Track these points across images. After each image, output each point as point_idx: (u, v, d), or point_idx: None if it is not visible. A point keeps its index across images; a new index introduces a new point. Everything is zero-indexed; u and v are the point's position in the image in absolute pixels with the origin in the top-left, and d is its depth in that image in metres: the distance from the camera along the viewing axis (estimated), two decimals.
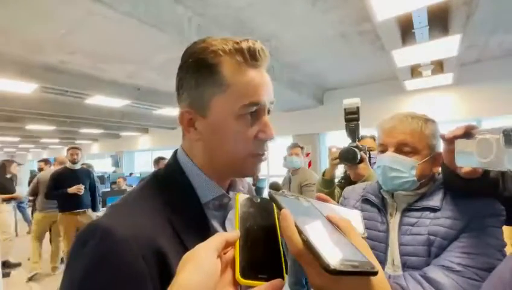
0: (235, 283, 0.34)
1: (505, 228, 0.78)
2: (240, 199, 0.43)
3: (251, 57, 0.49)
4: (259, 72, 0.51)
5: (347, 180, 1.48)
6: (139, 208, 0.46)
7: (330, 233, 0.36)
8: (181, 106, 0.53)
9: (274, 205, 0.42)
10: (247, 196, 0.44)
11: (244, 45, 0.49)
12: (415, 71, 3.93)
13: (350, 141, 1.38)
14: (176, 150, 0.59)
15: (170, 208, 0.48)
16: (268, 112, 0.53)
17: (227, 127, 0.49)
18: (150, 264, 0.39)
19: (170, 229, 0.45)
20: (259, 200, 0.45)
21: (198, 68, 0.49)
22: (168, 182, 0.52)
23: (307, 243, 0.32)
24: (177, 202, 0.49)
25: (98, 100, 5.38)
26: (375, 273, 0.31)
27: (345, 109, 1.37)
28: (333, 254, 0.30)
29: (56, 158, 4.53)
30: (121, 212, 0.46)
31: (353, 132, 1.36)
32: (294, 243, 0.33)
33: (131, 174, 9.66)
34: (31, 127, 8.61)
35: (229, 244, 0.36)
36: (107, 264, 0.38)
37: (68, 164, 3.71)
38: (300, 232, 0.33)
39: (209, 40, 0.51)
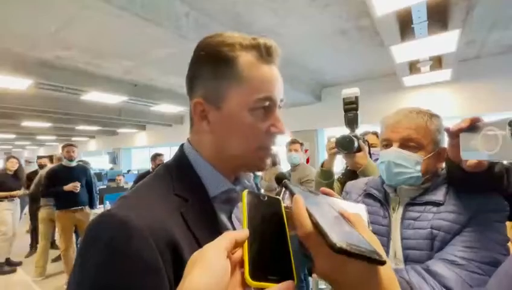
0: (244, 284, 0.33)
1: (509, 224, 0.78)
2: (246, 196, 0.41)
3: (266, 53, 0.51)
4: (272, 69, 0.53)
5: (347, 176, 1.47)
6: (152, 200, 0.46)
7: (340, 224, 0.36)
8: (193, 97, 0.53)
9: (280, 202, 0.43)
10: (254, 193, 0.43)
11: (260, 41, 0.51)
12: (413, 67, 3.93)
13: (349, 132, 1.37)
14: (183, 144, 0.59)
15: (181, 201, 0.48)
16: (279, 108, 0.54)
17: (241, 119, 0.50)
18: (164, 257, 0.39)
19: (182, 221, 0.46)
20: (266, 198, 0.43)
21: (215, 60, 0.50)
22: (178, 175, 0.52)
23: (316, 225, 0.33)
24: (187, 195, 0.49)
25: (94, 96, 5.33)
26: (382, 263, 0.30)
27: (343, 99, 1.37)
28: (341, 237, 0.31)
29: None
30: (134, 203, 0.45)
31: (351, 122, 1.35)
32: (304, 225, 0.33)
33: (128, 171, 9.64)
34: (27, 124, 8.53)
35: (238, 244, 0.35)
36: (124, 258, 0.37)
37: (64, 161, 3.66)
38: (310, 215, 0.34)
39: (226, 34, 0.52)
